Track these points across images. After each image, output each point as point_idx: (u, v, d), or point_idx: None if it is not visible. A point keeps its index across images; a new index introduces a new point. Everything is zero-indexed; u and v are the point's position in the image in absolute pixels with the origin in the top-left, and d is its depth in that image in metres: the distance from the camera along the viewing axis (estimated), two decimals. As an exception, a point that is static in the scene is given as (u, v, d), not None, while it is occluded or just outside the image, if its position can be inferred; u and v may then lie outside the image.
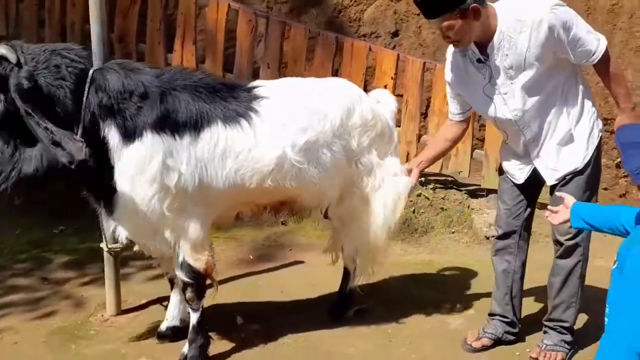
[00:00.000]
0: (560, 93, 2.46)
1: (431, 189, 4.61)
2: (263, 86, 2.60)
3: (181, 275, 2.53)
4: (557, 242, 2.62)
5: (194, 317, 2.62)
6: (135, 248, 2.66)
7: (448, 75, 2.63)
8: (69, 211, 4.34)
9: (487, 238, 4.35)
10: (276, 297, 3.31)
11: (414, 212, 4.53)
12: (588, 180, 2.52)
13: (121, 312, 3.05)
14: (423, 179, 4.62)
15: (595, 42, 2.38)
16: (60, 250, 3.88)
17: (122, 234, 2.48)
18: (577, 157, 2.51)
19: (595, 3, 5.28)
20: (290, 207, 2.76)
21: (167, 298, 3.16)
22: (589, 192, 2.55)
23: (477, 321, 3.04)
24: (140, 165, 2.33)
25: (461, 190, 4.68)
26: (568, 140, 2.50)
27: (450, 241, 4.37)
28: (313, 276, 3.57)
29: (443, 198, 4.61)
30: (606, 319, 1.59)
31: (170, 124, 2.36)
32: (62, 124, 2.19)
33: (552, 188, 2.59)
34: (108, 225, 2.56)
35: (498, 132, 4.26)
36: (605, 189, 5.50)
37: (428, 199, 4.56)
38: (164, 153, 2.33)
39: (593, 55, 2.39)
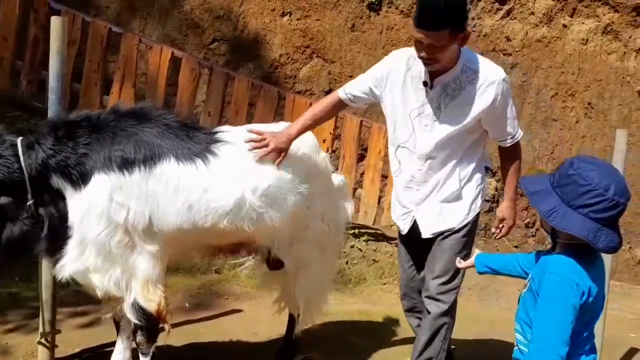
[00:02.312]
0: (461, 155, 2.54)
1: (364, 241, 4.77)
2: (226, 131, 2.63)
3: (132, 317, 2.44)
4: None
5: None
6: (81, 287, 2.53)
7: (380, 72, 2.56)
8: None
9: (417, 290, 4.56)
10: (219, 345, 3.24)
11: (347, 263, 4.65)
12: (463, 240, 2.57)
13: (54, 360, 2.85)
14: (356, 231, 4.79)
15: (516, 128, 2.54)
16: (-24, 296, 3.58)
17: (68, 272, 2.36)
18: (456, 217, 2.57)
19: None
20: (248, 248, 2.76)
21: (103, 346, 3.01)
22: (465, 252, 2.58)
23: (417, 369, 3.15)
24: (88, 203, 2.32)
25: (392, 243, 4.87)
26: (452, 200, 2.56)
27: (382, 292, 4.51)
28: (253, 324, 3.54)
29: (375, 250, 4.78)
30: (519, 336, 1.84)
31: (119, 161, 2.34)
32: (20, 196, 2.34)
33: (429, 242, 2.62)
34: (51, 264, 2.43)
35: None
36: (515, 246, 5.96)
37: (361, 250, 4.71)
38: (112, 189, 2.31)
39: (510, 137, 2.53)
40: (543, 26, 5.78)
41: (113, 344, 3.08)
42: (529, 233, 5.93)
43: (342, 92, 2.68)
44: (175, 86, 4.84)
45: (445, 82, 2.44)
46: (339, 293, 4.37)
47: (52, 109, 2.71)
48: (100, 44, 4.67)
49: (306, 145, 2.77)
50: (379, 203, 4.78)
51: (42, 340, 2.79)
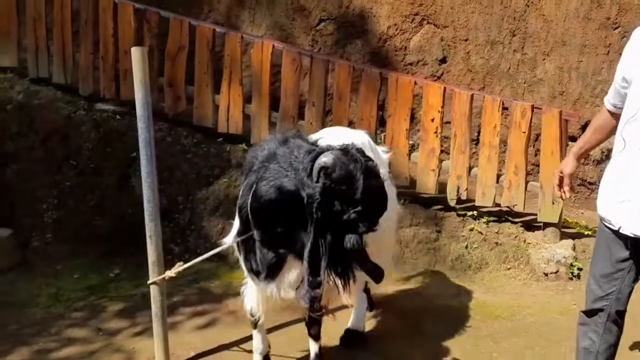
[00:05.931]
0: None
1: (484, 222, 4.44)
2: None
3: (314, 314, 2.69)
4: None
5: (315, 347, 2.90)
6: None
7: (626, 55, 2.30)
8: (122, 252, 4.48)
9: (546, 275, 4.15)
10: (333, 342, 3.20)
11: (466, 247, 4.38)
12: None
13: (170, 366, 3.08)
14: (475, 212, 4.48)
15: None
16: (115, 297, 3.96)
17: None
18: None
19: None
20: None
21: (213, 350, 3.17)
22: None
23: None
24: None
25: (516, 223, 4.47)
26: None
27: (505, 278, 4.19)
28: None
29: (497, 232, 4.43)
30: None
31: None
32: None
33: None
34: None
35: (554, 161, 4.07)
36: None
37: (481, 233, 4.40)
38: None
39: None
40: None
41: (225, 346, 3.28)
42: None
43: (606, 102, 2.41)
44: (279, 76, 4.85)
45: None
46: (458, 280, 4.15)
47: (142, 137, 2.81)
48: (207, 46, 4.81)
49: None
50: (497, 182, 4.40)
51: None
